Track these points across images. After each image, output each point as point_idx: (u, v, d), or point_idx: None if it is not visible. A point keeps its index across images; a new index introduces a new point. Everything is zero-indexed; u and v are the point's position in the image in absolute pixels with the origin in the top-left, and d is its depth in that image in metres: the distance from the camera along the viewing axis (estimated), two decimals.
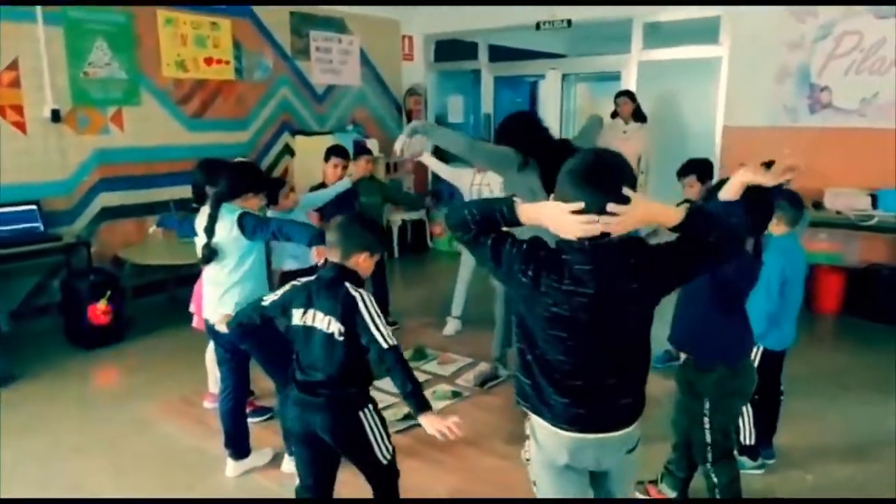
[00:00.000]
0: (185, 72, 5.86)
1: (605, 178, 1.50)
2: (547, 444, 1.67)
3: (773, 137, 5.63)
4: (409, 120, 8.01)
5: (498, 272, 1.63)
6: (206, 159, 3.54)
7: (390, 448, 2.23)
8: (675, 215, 1.53)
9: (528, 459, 1.74)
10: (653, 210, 1.53)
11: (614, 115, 5.97)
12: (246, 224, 2.70)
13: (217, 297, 2.82)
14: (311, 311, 2.15)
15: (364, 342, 2.07)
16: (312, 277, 2.22)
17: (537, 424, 1.69)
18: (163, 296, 5.76)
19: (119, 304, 4.80)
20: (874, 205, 4.91)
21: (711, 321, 2.20)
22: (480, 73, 7.65)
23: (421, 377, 3.95)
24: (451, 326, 4.88)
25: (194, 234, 2.93)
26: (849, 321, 5.12)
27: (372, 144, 6.96)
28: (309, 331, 2.14)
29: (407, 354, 4.40)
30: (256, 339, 2.82)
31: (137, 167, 5.60)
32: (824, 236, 5.14)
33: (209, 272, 2.85)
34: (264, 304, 2.34)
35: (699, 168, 3.96)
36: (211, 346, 3.61)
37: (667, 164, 5.73)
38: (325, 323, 2.10)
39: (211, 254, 2.74)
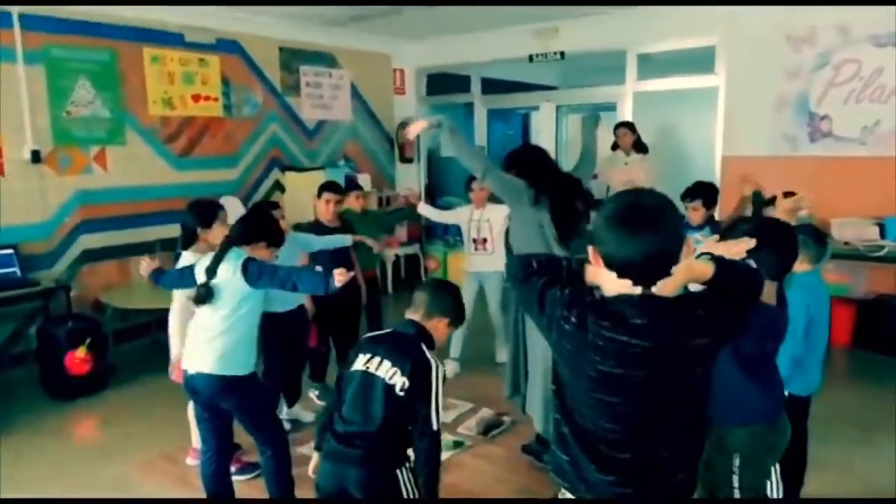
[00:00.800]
0: (171, 109, 5.72)
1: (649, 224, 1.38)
2: None
3: (774, 167, 5.51)
4: (402, 154, 7.90)
5: (541, 319, 1.48)
6: (198, 200, 3.39)
7: None
8: (709, 269, 1.38)
9: None
10: (694, 269, 1.40)
11: (615, 146, 5.87)
12: (251, 269, 2.54)
13: (202, 343, 2.61)
14: (377, 359, 2.06)
15: (415, 410, 2.00)
16: (388, 331, 2.18)
17: None
18: (147, 339, 5.52)
19: (100, 352, 4.57)
20: (882, 234, 4.78)
21: (741, 387, 2.00)
22: (473, 105, 7.55)
23: None
24: (450, 368, 4.66)
25: (192, 284, 2.72)
26: (859, 355, 4.95)
27: (364, 179, 6.83)
28: (368, 377, 2.05)
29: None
30: (239, 395, 2.62)
31: (121, 207, 5.42)
32: (831, 267, 4.98)
33: (199, 316, 2.65)
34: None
35: (705, 192, 3.92)
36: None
37: (669, 194, 5.63)
38: (390, 374, 2.01)
39: (207, 294, 2.55)
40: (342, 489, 2.01)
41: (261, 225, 2.80)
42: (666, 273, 1.39)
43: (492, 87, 7.60)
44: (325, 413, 2.25)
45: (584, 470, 1.44)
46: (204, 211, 3.17)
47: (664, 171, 5.65)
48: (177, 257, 3.26)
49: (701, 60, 5.89)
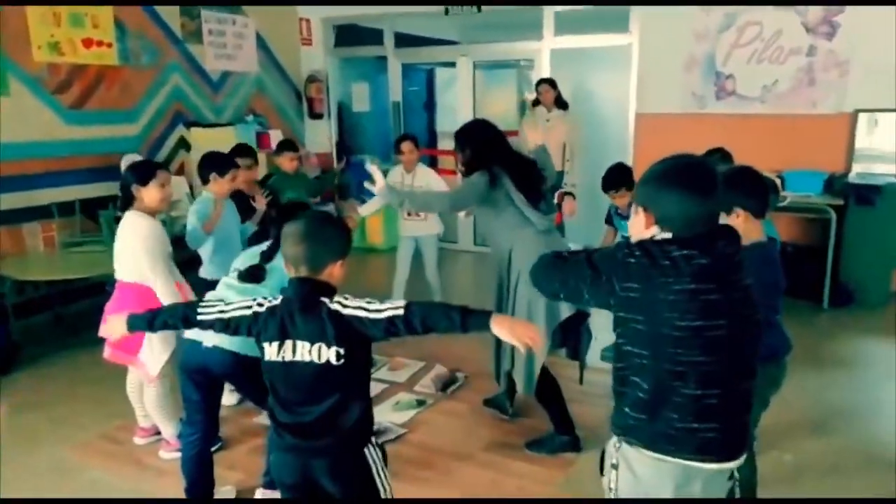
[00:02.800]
0: (60, 55, 5.10)
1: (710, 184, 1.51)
2: (648, 477, 1.52)
3: (683, 124, 5.85)
4: (311, 109, 7.57)
5: (595, 282, 1.53)
6: (141, 161, 3.12)
7: (389, 482, 1.90)
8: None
9: (611, 489, 1.57)
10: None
11: (536, 103, 5.94)
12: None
13: None
14: (288, 343, 1.75)
15: (378, 335, 1.73)
16: (277, 301, 1.81)
17: (638, 456, 1.52)
18: (48, 314, 5.01)
19: (1, 329, 4.10)
20: (783, 187, 5.23)
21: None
22: (386, 59, 7.33)
23: (376, 386, 3.70)
24: None
25: None
26: None
27: (275, 136, 6.46)
28: (291, 366, 1.75)
29: None
30: (253, 374, 2.45)
31: (9, 166, 4.80)
32: None
33: (220, 286, 2.52)
34: (200, 313, 1.88)
35: (625, 178, 3.81)
36: (131, 376, 3.15)
37: (584, 151, 5.82)
38: (315, 353, 1.73)
39: (261, 274, 2.48)
40: (311, 480, 1.80)
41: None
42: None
43: (405, 42, 7.40)
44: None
45: (664, 422, 1.47)
46: (143, 168, 2.91)
47: (581, 128, 5.82)
48: (116, 219, 2.99)
49: (616, 20, 6.07)
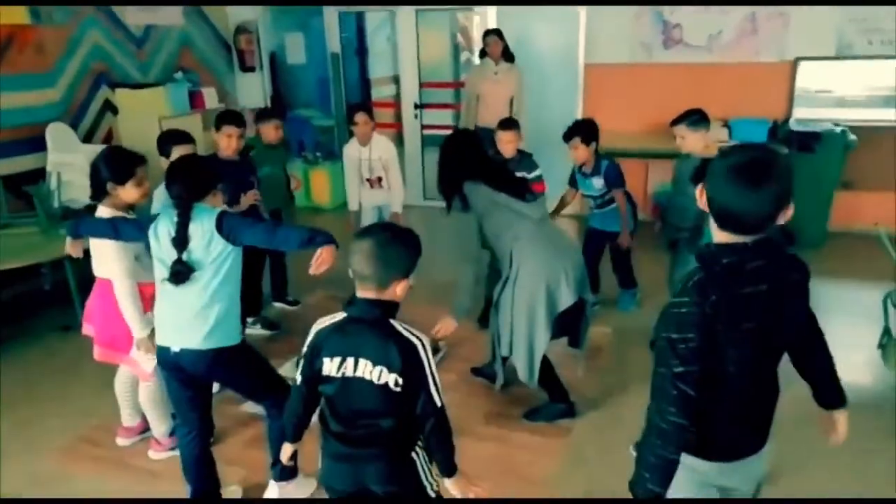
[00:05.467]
0: None
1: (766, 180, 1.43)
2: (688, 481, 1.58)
3: (632, 73, 5.91)
4: (242, 62, 7.12)
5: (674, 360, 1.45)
6: (117, 149, 2.85)
7: (435, 478, 1.94)
8: None
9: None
10: None
11: (482, 54, 5.81)
12: (227, 225, 2.22)
13: (188, 317, 2.26)
14: (350, 361, 1.75)
15: (417, 406, 1.77)
16: (340, 317, 1.78)
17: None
18: None
19: None
20: (730, 135, 5.40)
21: None
22: (322, 8, 6.92)
23: None
24: None
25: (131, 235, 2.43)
26: None
27: (209, 94, 6.08)
28: (349, 382, 1.75)
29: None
30: (234, 366, 2.37)
31: None
32: None
33: (169, 291, 2.27)
34: (298, 384, 1.85)
35: (583, 129, 3.94)
36: (122, 372, 2.98)
37: (530, 104, 5.76)
38: (376, 373, 1.73)
39: (186, 271, 2.20)
40: (362, 487, 1.85)
41: (207, 169, 2.44)
42: (767, 225, 1.46)
43: None
44: (295, 407, 1.91)
45: (709, 427, 1.52)
46: (119, 164, 2.63)
47: (528, 81, 5.75)
48: (90, 208, 2.75)
49: None
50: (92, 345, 2.85)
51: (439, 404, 1.76)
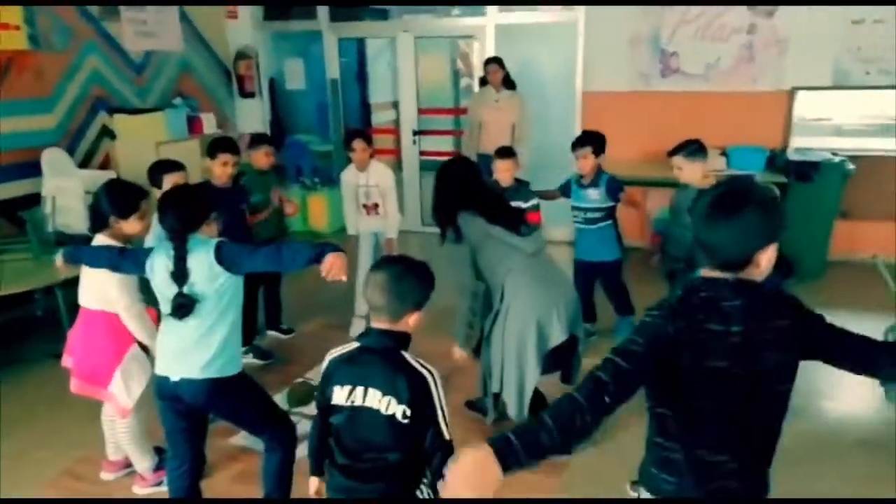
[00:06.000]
0: None
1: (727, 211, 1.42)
2: None
3: (629, 102, 5.91)
4: (242, 88, 7.14)
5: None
6: (118, 182, 2.90)
7: None
8: None
9: None
10: None
11: (483, 82, 5.83)
12: (226, 255, 2.18)
13: (188, 346, 2.22)
14: (360, 390, 1.76)
15: (426, 441, 1.78)
16: (354, 346, 1.80)
17: None
18: None
19: None
20: (727, 163, 5.39)
21: None
22: (321, 34, 6.97)
23: None
24: (358, 327, 4.49)
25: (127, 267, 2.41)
26: None
27: (208, 119, 6.09)
28: (357, 412, 1.76)
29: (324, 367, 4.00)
30: (234, 396, 2.32)
31: None
32: None
33: (171, 321, 2.24)
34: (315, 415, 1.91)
35: (594, 139, 4.02)
36: (107, 406, 2.91)
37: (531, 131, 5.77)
38: (384, 404, 1.73)
39: (189, 304, 2.17)
40: None
41: (199, 199, 2.42)
42: (746, 262, 1.40)
43: (338, 13, 7.04)
44: (313, 438, 1.94)
45: (688, 486, 1.48)
46: (122, 198, 2.61)
47: (528, 108, 5.76)
48: (87, 240, 2.72)
49: None
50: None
51: (448, 438, 1.76)
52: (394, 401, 1.72)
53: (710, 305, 1.40)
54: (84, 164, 5.45)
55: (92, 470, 3.06)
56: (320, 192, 7.07)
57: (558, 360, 2.91)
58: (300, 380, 3.85)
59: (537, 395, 2.99)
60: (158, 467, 2.85)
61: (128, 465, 3.01)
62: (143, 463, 2.87)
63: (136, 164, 5.31)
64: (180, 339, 2.23)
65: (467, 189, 2.98)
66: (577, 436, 1.33)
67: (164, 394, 2.30)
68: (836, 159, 5.09)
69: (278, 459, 2.45)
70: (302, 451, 2.69)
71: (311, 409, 3.53)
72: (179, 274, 2.17)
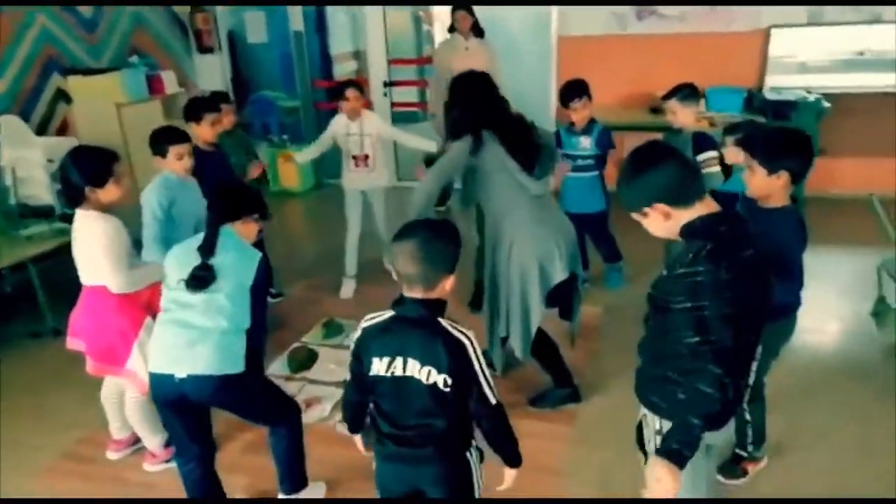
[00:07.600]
0: None
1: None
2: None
3: (606, 46, 5.83)
4: (199, 43, 6.78)
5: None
6: (84, 149, 2.61)
7: (482, 481, 1.92)
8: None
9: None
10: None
11: (451, 29, 5.63)
12: (259, 278, 2.22)
13: (184, 344, 2.11)
14: (399, 360, 1.71)
15: (472, 405, 1.77)
16: (388, 315, 1.74)
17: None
18: None
19: None
20: (706, 105, 5.39)
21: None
22: None
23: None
24: (349, 288, 4.43)
25: None
26: None
27: (169, 77, 5.76)
28: (399, 381, 1.72)
29: (318, 331, 3.93)
30: (240, 393, 2.23)
31: None
32: None
33: (175, 306, 2.15)
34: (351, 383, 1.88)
35: (585, 89, 3.96)
36: (109, 382, 2.82)
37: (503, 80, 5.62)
38: (425, 374, 1.70)
39: (209, 276, 2.11)
40: (416, 490, 1.85)
41: (247, 195, 2.38)
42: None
43: None
44: (348, 398, 1.94)
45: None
46: (93, 166, 2.44)
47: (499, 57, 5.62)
48: (64, 217, 2.55)
49: None
50: (72, 354, 2.69)
51: (494, 402, 1.75)
52: (434, 371, 1.69)
53: (733, 237, 1.58)
54: (41, 130, 5.14)
55: (95, 450, 2.98)
56: (290, 149, 6.85)
57: (558, 297, 2.90)
58: (297, 344, 3.79)
59: (550, 345, 2.99)
60: (169, 443, 2.78)
61: (134, 441, 2.93)
62: (154, 440, 2.79)
63: (97, 128, 5.07)
64: (177, 334, 2.13)
65: (487, 108, 2.83)
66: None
67: (166, 393, 2.18)
68: (811, 98, 5.14)
69: (287, 442, 2.42)
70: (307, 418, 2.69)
71: (313, 373, 3.55)
72: (208, 248, 2.13)
